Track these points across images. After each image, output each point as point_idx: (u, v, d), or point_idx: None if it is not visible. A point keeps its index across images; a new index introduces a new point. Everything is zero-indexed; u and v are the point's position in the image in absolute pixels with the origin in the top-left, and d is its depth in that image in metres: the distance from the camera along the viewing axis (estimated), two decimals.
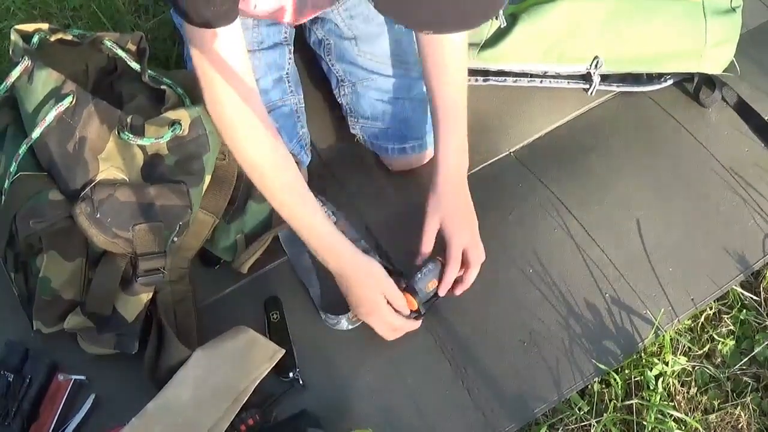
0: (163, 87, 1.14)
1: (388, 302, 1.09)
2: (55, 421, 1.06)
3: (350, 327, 1.16)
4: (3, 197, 1.08)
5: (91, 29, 1.22)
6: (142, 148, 1.07)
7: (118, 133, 1.05)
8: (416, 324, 1.13)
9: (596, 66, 1.38)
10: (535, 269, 1.23)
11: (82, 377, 1.10)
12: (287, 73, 1.28)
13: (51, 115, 1.04)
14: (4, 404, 1.05)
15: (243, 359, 1.08)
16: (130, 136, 1.04)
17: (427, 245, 1.16)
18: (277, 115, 1.24)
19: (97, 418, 1.08)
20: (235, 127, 1.01)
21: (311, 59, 1.40)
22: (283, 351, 1.10)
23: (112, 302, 1.08)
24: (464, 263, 1.16)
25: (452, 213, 1.16)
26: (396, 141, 1.30)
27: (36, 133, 1.05)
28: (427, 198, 1.17)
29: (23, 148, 1.07)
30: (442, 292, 1.15)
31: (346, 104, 1.34)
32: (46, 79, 1.06)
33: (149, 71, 1.16)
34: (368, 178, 1.34)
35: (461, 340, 1.15)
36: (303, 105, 1.30)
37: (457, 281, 1.17)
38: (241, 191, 1.19)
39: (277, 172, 1.04)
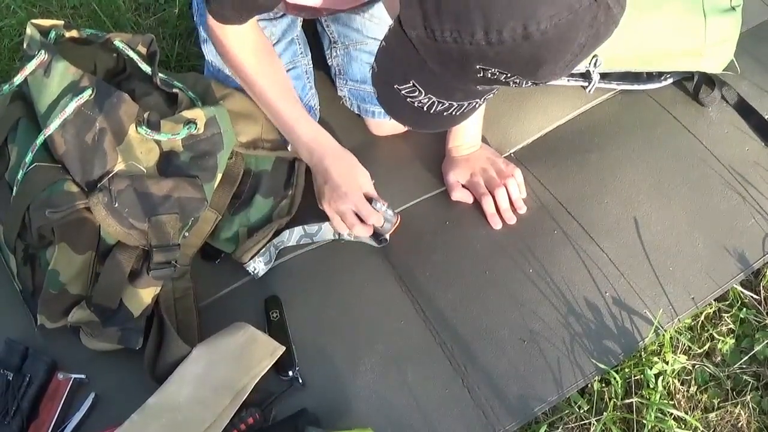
0: (174, 90, 1.15)
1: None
2: (54, 419, 1.05)
3: (266, 270, 1.21)
4: (16, 188, 1.08)
5: (91, 28, 1.23)
6: (158, 143, 1.08)
7: (136, 127, 1.05)
8: (379, 219, 1.18)
9: (595, 64, 1.38)
10: (535, 269, 1.23)
11: (82, 376, 1.10)
12: (297, 35, 1.31)
13: (71, 107, 1.04)
14: (3, 403, 1.05)
15: (243, 356, 1.08)
16: (148, 130, 1.05)
17: (454, 195, 1.31)
18: (289, 77, 1.28)
19: (97, 417, 1.08)
20: (225, 38, 1.14)
21: (305, 21, 1.40)
22: (284, 348, 1.10)
23: (119, 295, 1.08)
24: (498, 183, 1.28)
25: (463, 171, 1.30)
26: None
27: (55, 124, 1.05)
28: (443, 162, 1.34)
29: (41, 139, 1.07)
30: (496, 225, 1.26)
31: (337, 66, 1.35)
32: (64, 73, 1.07)
33: (160, 74, 1.16)
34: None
35: (461, 338, 1.16)
36: (311, 66, 1.34)
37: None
38: (249, 185, 1.21)
39: (272, 81, 1.19)
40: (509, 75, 0.67)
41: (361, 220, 1.18)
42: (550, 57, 0.64)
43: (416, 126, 0.86)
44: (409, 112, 0.79)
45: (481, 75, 0.68)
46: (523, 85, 0.70)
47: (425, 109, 0.77)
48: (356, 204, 1.17)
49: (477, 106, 0.79)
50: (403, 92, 0.76)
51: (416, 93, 0.76)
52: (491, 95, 0.79)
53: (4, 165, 1.15)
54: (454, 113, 0.79)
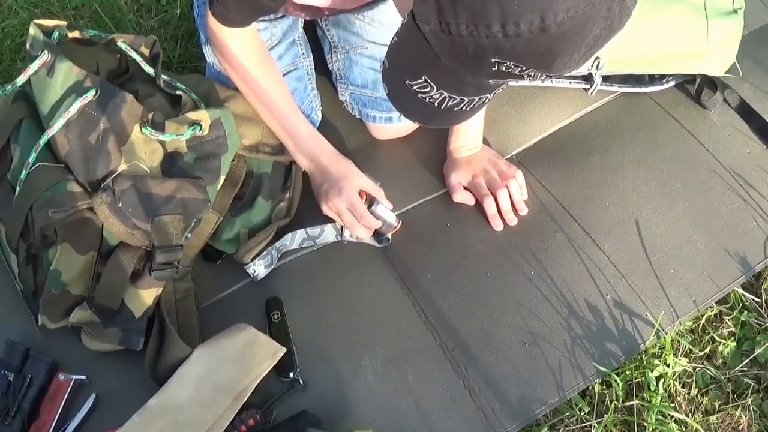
0: (178, 92, 1.15)
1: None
2: (55, 420, 1.05)
3: (266, 273, 1.21)
4: (19, 188, 1.08)
5: (92, 28, 1.23)
6: (162, 143, 1.08)
7: (141, 127, 1.05)
8: (373, 220, 1.19)
9: (597, 67, 1.38)
10: (536, 271, 1.23)
11: (83, 377, 1.09)
12: (299, 36, 1.32)
13: (75, 107, 1.04)
14: (4, 404, 1.05)
15: (244, 357, 1.08)
16: (152, 131, 1.05)
17: (456, 196, 1.30)
18: (291, 78, 1.29)
19: (98, 418, 1.08)
20: (226, 41, 1.14)
21: (305, 23, 1.40)
22: (285, 349, 1.10)
23: (121, 295, 1.08)
24: (500, 184, 1.28)
25: (465, 172, 1.30)
26: (384, 110, 1.33)
27: (59, 124, 1.05)
28: (445, 164, 1.34)
29: (44, 138, 1.07)
30: (497, 227, 1.27)
31: (338, 70, 1.36)
32: (68, 73, 1.07)
33: (163, 76, 1.17)
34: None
35: (462, 340, 1.15)
36: (313, 67, 1.35)
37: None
38: (251, 186, 1.21)
39: (273, 87, 1.20)
40: (524, 68, 0.67)
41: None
42: (565, 49, 0.65)
43: (425, 122, 0.87)
44: (419, 108, 0.79)
45: (496, 69, 0.68)
46: (537, 78, 0.70)
47: (436, 104, 0.77)
48: (351, 201, 1.17)
49: (487, 101, 0.80)
50: (414, 88, 0.76)
51: (428, 89, 0.76)
52: (500, 90, 0.79)
53: (6, 165, 1.15)
54: (464, 108, 0.79)
